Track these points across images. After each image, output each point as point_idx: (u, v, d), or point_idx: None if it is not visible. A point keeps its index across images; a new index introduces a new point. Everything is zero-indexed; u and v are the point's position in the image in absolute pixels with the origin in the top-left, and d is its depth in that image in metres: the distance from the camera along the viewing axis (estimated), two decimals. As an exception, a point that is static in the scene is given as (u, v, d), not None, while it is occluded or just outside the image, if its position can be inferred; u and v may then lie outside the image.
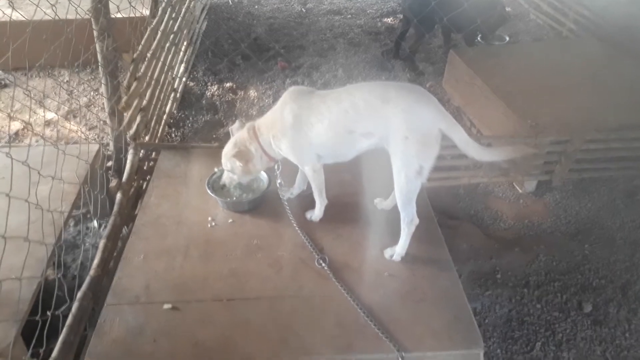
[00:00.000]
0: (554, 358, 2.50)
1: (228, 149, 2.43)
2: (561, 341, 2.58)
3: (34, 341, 1.94)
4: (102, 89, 2.94)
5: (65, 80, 4.87)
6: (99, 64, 2.85)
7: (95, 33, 2.74)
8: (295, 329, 2.01)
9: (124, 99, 2.79)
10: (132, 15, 3.32)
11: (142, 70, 3.09)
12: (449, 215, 3.54)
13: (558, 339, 2.59)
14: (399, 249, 2.28)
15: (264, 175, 2.67)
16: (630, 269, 3.01)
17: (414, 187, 2.14)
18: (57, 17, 2.36)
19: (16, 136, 4.24)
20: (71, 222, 3.21)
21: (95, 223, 3.16)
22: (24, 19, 2.46)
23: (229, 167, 2.45)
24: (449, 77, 4.87)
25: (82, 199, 2.77)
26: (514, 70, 4.32)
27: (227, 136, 2.57)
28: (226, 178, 2.54)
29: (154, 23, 3.44)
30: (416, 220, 2.23)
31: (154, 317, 2.04)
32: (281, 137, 2.26)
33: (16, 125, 4.29)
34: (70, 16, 2.53)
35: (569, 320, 2.69)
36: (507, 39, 5.85)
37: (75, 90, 4.80)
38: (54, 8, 2.22)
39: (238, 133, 2.44)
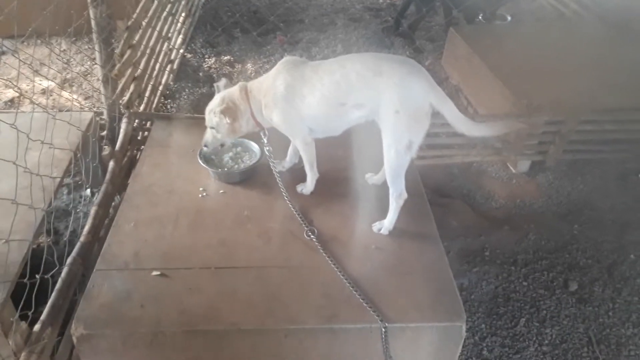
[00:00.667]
0: (537, 334, 2.55)
1: (215, 104, 2.36)
2: (545, 318, 2.63)
3: (21, 303, 1.96)
4: (97, 57, 2.91)
5: (62, 49, 4.83)
6: (93, 30, 2.82)
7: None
8: (282, 298, 2.03)
9: (117, 66, 2.77)
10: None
11: (137, 38, 3.07)
12: (441, 193, 3.56)
13: (542, 316, 2.64)
14: (387, 223, 2.30)
15: (255, 147, 2.67)
16: (618, 250, 3.04)
17: (403, 162, 2.14)
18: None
19: (11, 103, 4.22)
20: (64, 190, 3.22)
21: (88, 191, 3.18)
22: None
23: (214, 123, 2.37)
24: (448, 55, 4.84)
25: (74, 167, 2.78)
26: (513, 49, 4.29)
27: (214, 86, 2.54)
28: (208, 136, 2.46)
29: (149, -9, 3.40)
30: (404, 195, 2.24)
31: (142, 283, 2.06)
32: (273, 107, 2.24)
33: (11, 93, 4.28)
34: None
35: (554, 298, 2.73)
36: (509, 18, 5.78)
37: (72, 59, 4.77)
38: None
39: (226, 90, 2.40)
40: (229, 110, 2.31)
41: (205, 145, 2.51)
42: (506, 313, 2.65)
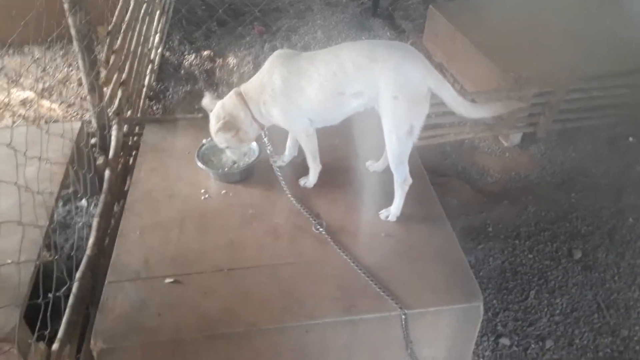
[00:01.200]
0: (547, 305, 2.59)
1: (212, 125, 2.34)
2: (554, 288, 2.67)
3: (38, 324, 1.93)
4: (80, 64, 2.83)
5: (36, 57, 4.71)
6: (74, 38, 2.74)
7: (65, 6, 2.63)
8: (297, 294, 2.03)
9: (104, 73, 2.71)
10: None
11: (118, 42, 3.00)
12: (437, 172, 3.57)
13: (551, 287, 2.68)
14: (394, 210, 2.30)
15: (254, 144, 2.64)
16: (616, 214, 3.10)
17: (405, 148, 2.14)
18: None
19: (-8, 117, 4.11)
20: (60, 202, 3.16)
21: (84, 202, 3.12)
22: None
23: (224, 142, 2.37)
24: (429, 33, 4.83)
25: (70, 179, 2.72)
26: (494, 23, 4.29)
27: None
28: (231, 154, 2.49)
29: (126, -8, 3.31)
30: (409, 180, 2.24)
31: (157, 292, 2.04)
32: (272, 104, 2.22)
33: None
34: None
35: (560, 268, 2.78)
36: (486, -9, 5.77)
37: (49, 67, 4.65)
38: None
39: (220, 102, 2.36)
40: (228, 124, 2.28)
41: (234, 162, 2.52)
42: (516, 287, 2.69)
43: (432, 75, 2.07)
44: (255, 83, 2.26)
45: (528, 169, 3.57)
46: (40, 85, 4.29)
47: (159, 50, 4.79)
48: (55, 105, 4.21)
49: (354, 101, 2.15)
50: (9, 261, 2.07)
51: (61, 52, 4.83)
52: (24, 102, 4.18)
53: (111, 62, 2.76)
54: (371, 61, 2.04)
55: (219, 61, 4.91)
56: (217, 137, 2.35)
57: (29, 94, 4.29)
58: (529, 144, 3.76)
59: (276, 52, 2.25)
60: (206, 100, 2.45)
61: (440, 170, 3.62)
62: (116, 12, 3.06)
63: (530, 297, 2.62)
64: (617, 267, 2.77)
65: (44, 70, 4.60)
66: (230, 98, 2.32)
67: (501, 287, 2.69)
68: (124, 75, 3.06)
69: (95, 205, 2.54)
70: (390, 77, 2.02)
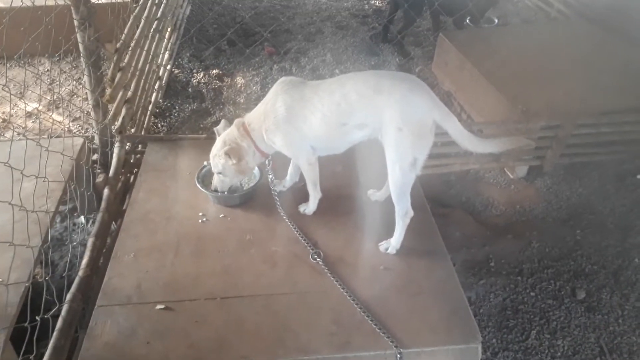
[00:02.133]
0: (549, 346, 2.51)
1: (217, 148, 2.33)
2: (556, 329, 2.60)
3: (24, 346, 1.88)
4: (85, 80, 2.84)
5: (46, 70, 4.74)
6: (81, 54, 2.75)
7: (75, 22, 2.64)
8: (292, 327, 1.97)
9: (109, 91, 2.70)
10: (113, 0, 3.20)
11: (126, 60, 3.00)
12: (440, 203, 3.52)
13: (553, 327, 2.60)
14: (394, 242, 2.25)
15: (255, 169, 2.61)
16: (622, 254, 3.03)
17: (408, 180, 2.10)
18: (34, 4, 2.26)
19: (-3, 128, 4.12)
20: (57, 219, 3.13)
21: (82, 219, 3.09)
22: (1, 6, 2.34)
23: (220, 168, 2.34)
24: (438, 61, 4.82)
25: (68, 196, 2.70)
26: (504, 53, 4.27)
27: (215, 125, 2.50)
28: (217, 182, 2.44)
29: (136, 10, 3.32)
30: (411, 213, 2.20)
31: (147, 318, 1.99)
32: (275, 131, 2.19)
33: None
34: (51, 2, 2.43)
35: (563, 308, 2.70)
36: (496, 21, 5.79)
37: (57, 80, 4.67)
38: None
39: (225, 131, 2.36)
40: (233, 151, 2.27)
41: (215, 190, 2.47)
42: (516, 326, 2.61)
43: (438, 108, 2.04)
44: (259, 111, 2.25)
45: (533, 202, 3.51)
46: (48, 98, 4.29)
47: (168, 67, 4.81)
48: (60, 118, 4.21)
49: (357, 132, 2.12)
50: (0, 280, 2.04)
51: (71, 66, 4.86)
52: (29, 115, 4.19)
53: (116, 79, 2.75)
54: (376, 93, 2.01)
55: (227, 80, 4.92)
56: (218, 160, 2.33)
57: (35, 107, 4.30)
58: (535, 177, 3.70)
59: (281, 80, 2.23)
60: (220, 126, 2.44)
61: (444, 201, 3.57)
62: (125, 30, 3.07)
63: (531, 338, 2.55)
64: (622, 310, 2.69)
65: (52, 82, 4.62)
66: (233, 129, 2.32)
67: (501, 325, 2.62)
68: (129, 93, 3.06)
69: (94, 222, 2.50)
70: (395, 109, 1.99)
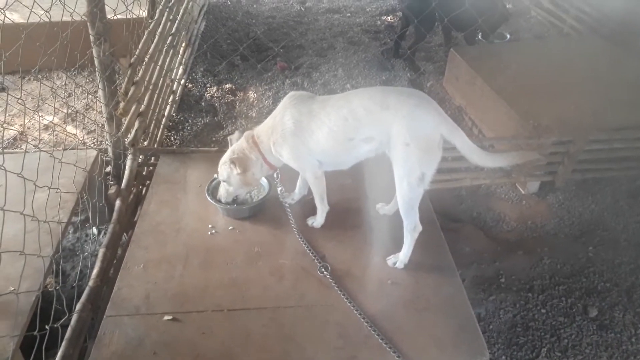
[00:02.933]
0: (559, 364, 2.48)
1: (226, 156, 2.39)
2: (567, 347, 2.55)
3: (32, 356, 1.90)
4: (100, 94, 2.89)
5: (63, 84, 4.83)
6: (96, 69, 2.81)
7: (91, 37, 2.70)
8: (297, 340, 1.98)
9: (122, 105, 2.75)
10: (128, 16, 3.26)
11: (139, 74, 3.05)
12: (451, 217, 3.50)
13: (564, 345, 2.56)
14: (402, 257, 2.25)
15: (264, 181, 2.64)
16: (635, 272, 2.98)
17: (416, 194, 2.10)
18: (50, 20, 2.32)
19: (14, 141, 4.20)
20: (70, 229, 3.17)
21: (94, 230, 3.13)
22: (20, 21, 2.41)
23: (225, 176, 2.39)
24: (449, 76, 4.83)
25: (80, 207, 2.74)
26: (515, 69, 4.27)
27: (227, 139, 2.54)
28: (222, 191, 2.48)
29: (151, 26, 3.39)
30: (419, 227, 2.20)
31: (154, 329, 2.01)
32: (282, 143, 2.22)
33: (14, 130, 4.26)
34: (67, 18, 2.49)
35: (575, 326, 2.66)
36: (508, 36, 5.80)
37: (73, 94, 4.76)
38: (47, 14, 2.18)
39: (235, 143, 2.40)
40: (240, 160, 2.32)
41: (219, 200, 2.50)
42: (526, 343, 2.58)
43: (445, 123, 2.05)
44: (268, 124, 2.29)
45: (545, 218, 3.48)
46: (64, 112, 4.38)
47: (182, 82, 4.88)
48: (76, 131, 4.29)
49: (364, 146, 2.13)
50: (11, 288, 2.07)
51: (87, 80, 4.95)
52: (46, 128, 4.27)
53: (130, 93, 2.81)
54: (383, 108, 2.03)
55: (240, 95, 4.97)
56: (224, 168, 2.38)
57: (51, 120, 4.38)
58: (547, 193, 3.67)
59: (290, 94, 2.26)
60: (235, 136, 2.49)
61: (455, 215, 3.55)
62: (140, 46, 3.13)
63: (541, 355, 2.51)
64: (635, 328, 2.63)
65: (69, 96, 4.72)
66: (243, 140, 2.36)
67: (511, 342, 2.58)
68: (142, 107, 3.11)
69: (106, 233, 2.53)
70: (402, 125, 2.00)
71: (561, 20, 6.01)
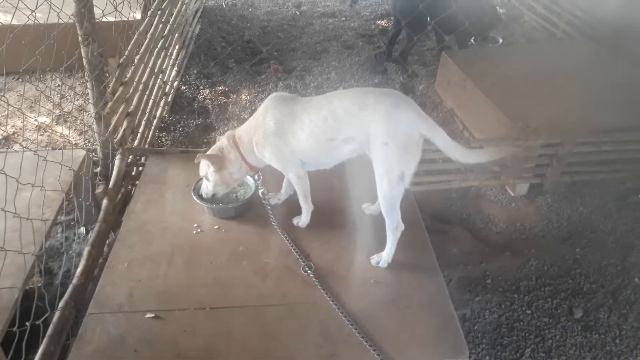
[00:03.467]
0: (543, 365, 2.48)
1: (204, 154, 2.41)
2: (551, 347, 2.56)
3: (11, 352, 1.91)
4: (89, 94, 2.91)
5: (56, 85, 4.85)
6: (85, 69, 2.82)
7: (79, 38, 2.72)
8: (280, 338, 1.98)
9: (109, 104, 2.76)
10: (118, 19, 3.28)
11: (129, 75, 3.07)
12: (440, 219, 3.51)
13: (548, 346, 2.57)
14: (385, 256, 2.26)
15: (250, 181, 2.65)
16: (621, 273, 2.99)
17: (396, 193, 2.11)
18: (37, 22, 2.34)
19: (6, 141, 4.21)
20: (59, 229, 3.18)
21: (82, 229, 3.14)
22: (14, 23, 2.42)
23: (203, 172, 2.43)
24: (441, 80, 4.85)
25: (68, 206, 2.75)
26: (506, 72, 4.29)
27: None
28: (203, 186, 2.52)
29: (141, 27, 3.41)
30: (401, 226, 2.21)
31: (136, 327, 2.01)
32: (264, 144, 2.23)
33: (6, 130, 4.27)
34: (56, 20, 2.51)
35: (559, 326, 2.66)
36: (501, 40, 5.83)
37: (67, 95, 4.78)
38: (33, 14, 2.19)
39: (218, 142, 2.43)
40: (214, 158, 2.35)
41: (205, 199, 2.53)
42: (511, 343, 2.58)
43: (423, 122, 2.06)
44: (249, 125, 2.31)
45: (533, 220, 3.49)
46: (56, 112, 4.39)
47: (175, 83, 4.90)
48: (68, 132, 4.30)
49: (345, 147, 2.15)
50: (-6, 285, 2.08)
51: (81, 81, 4.97)
52: (38, 128, 4.28)
53: (118, 93, 2.82)
54: (361, 108, 2.05)
55: (232, 97, 4.99)
56: (202, 165, 2.42)
57: (44, 120, 4.40)
58: (536, 195, 3.68)
59: (272, 95, 2.28)
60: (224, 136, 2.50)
61: (444, 217, 3.56)
62: (129, 46, 3.14)
63: (525, 356, 2.51)
64: (620, 330, 2.64)
65: (62, 97, 4.73)
66: (223, 140, 2.39)
67: (495, 342, 2.59)
68: (131, 107, 3.12)
69: (93, 233, 2.54)
70: (379, 124, 2.02)
71: (554, 25, 6.04)
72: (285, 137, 2.18)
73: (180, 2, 5.00)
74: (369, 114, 2.03)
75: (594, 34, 5.25)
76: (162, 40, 4.03)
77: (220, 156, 2.35)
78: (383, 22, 6.80)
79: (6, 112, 4.03)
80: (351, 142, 2.13)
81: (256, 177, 2.47)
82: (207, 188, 2.50)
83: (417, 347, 1.95)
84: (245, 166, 2.38)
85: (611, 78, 4.17)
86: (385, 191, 2.10)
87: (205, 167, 2.41)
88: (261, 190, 2.50)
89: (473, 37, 5.52)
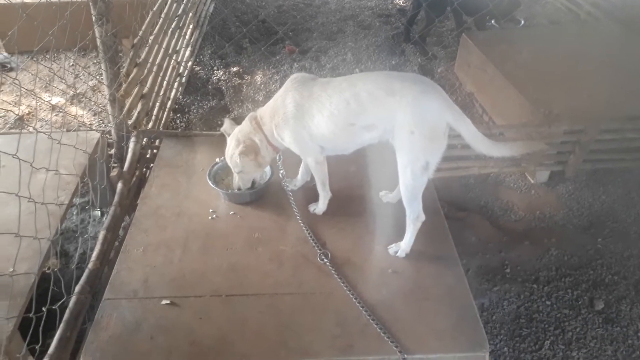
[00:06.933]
0: (563, 357, 2.43)
1: (232, 148, 2.33)
2: (571, 340, 2.51)
3: (28, 336, 1.90)
4: (103, 76, 2.86)
5: (70, 65, 4.82)
6: (99, 49, 2.78)
7: (93, 18, 2.66)
8: (295, 328, 1.95)
9: (123, 86, 2.72)
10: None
11: (142, 56, 3.02)
12: (457, 206, 3.45)
13: (568, 338, 2.52)
14: (404, 246, 2.21)
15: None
16: (644, 265, 2.92)
17: (419, 183, 2.06)
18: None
19: (21, 121, 4.20)
20: (74, 211, 3.18)
21: (97, 212, 3.13)
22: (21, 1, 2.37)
23: (240, 167, 2.34)
24: (461, 62, 4.74)
25: (83, 188, 2.73)
26: (528, 55, 4.17)
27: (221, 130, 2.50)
28: (239, 181, 2.43)
29: (155, 7, 3.35)
30: (422, 217, 2.15)
31: (152, 313, 1.99)
32: (283, 127, 2.18)
33: (22, 110, 4.26)
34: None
35: (580, 318, 2.61)
36: (523, 22, 5.67)
37: (81, 75, 4.75)
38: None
39: (239, 127, 2.36)
40: (248, 149, 2.28)
41: (239, 189, 2.47)
42: (530, 335, 2.54)
43: (451, 111, 1.99)
44: (270, 106, 2.24)
45: (554, 209, 3.41)
46: (71, 92, 4.37)
47: (189, 63, 4.84)
48: (83, 112, 4.28)
49: (365, 133, 2.09)
50: (11, 269, 2.07)
51: (95, 61, 4.94)
52: (53, 108, 4.26)
53: (132, 75, 2.77)
54: (388, 94, 1.97)
55: (247, 78, 4.92)
56: (235, 160, 2.32)
57: (59, 100, 4.38)
58: (557, 183, 3.60)
59: (292, 76, 2.22)
60: (226, 126, 2.46)
61: (462, 204, 3.50)
62: (143, 27, 3.09)
63: (544, 348, 2.47)
64: (642, 323, 2.59)
65: (76, 77, 4.70)
66: (246, 123, 2.32)
67: (514, 333, 2.55)
68: (145, 89, 3.07)
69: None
70: (407, 112, 1.95)
71: (578, 6, 5.85)
72: (304, 120, 2.12)
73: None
74: (395, 100, 1.96)
75: (620, 16, 5.07)
76: (176, 20, 3.96)
77: (250, 144, 2.28)
78: (401, 2, 6.64)
79: (19, 93, 4.02)
80: (372, 130, 2.06)
81: (277, 157, 2.41)
82: (243, 180, 2.42)
83: (436, 339, 1.92)
84: (270, 147, 2.32)
85: (637, 63, 4.02)
86: (408, 181, 2.04)
87: (241, 161, 2.30)
88: (281, 171, 2.43)
89: (493, 19, 5.38)
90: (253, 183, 2.49)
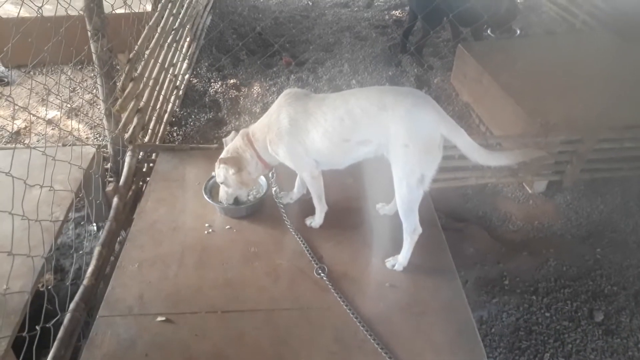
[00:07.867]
0: (562, 370, 2.41)
1: (218, 159, 2.34)
2: (571, 352, 2.49)
3: (22, 355, 1.88)
4: (99, 90, 2.86)
5: (67, 78, 4.82)
6: (95, 64, 2.78)
7: (89, 33, 2.67)
8: (291, 343, 1.93)
9: (119, 101, 2.71)
10: (127, 11, 3.21)
11: (139, 70, 3.02)
12: (455, 217, 3.44)
13: (567, 350, 2.50)
14: (401, 259, 2.20)
15: (262, 180, 2.60)
16: (644, 275, 2.90)
17: (415, 196, 2.04)
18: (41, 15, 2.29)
19: (17, 135, 4.20)
20: (70, 226, 3.16)
21: (93, 227, 3.11)
22: (25, 15, 2.37)
23: (222, 178, 2.34)
24: (457, 72, 4.75)
25: (79, 203, 2.72)
26: (524, 65, 4.18)
27: (229, 134, 2.49)
28: (222, 193, 2.43)
29: (151, 21, 3.35)
30: (419, 230, 2.14)
31: (147, 330, 1.97)
32: (278, 142, 2.17)
33: (17, 125, 4.26)
34: (71, 12, 2.46)
35: (579, 330, 2.59)
36: (518, 31, 5.68)
37: (77, 89, 4.75)
38: (39, 10, 2.14)
39: (232, 142, 2.35)
40: (232, 160, 2.27)
41: (220, 202, 2.46)
42: (529, 347, 2.51)
43: (444, 122, 1.98)
44: (263, 122, 2.24)
45: (552, 219, 3.40)
46: (68, 105, 4.37)
47: (186, 76, 4.84)
48: (79, 126, 4.27)
49: (361, 148, 2.08)
50: (5, 287, 2.05)
51: (91, 75, 4.94)
52: (50, 122, 4.26)
53: (127, 90, 2.77)
54: (380, 109, 1.97)
55: (244, 90, 4.93)
56: (219, 170, 2.33)
57: (56, 114, 4.38)
58: (555, 193, 3.59)
59: (286, 91, 2.21)
60: (230, 137, 2.44)
61: (460, 215, 3.49)
62: (139, 41, 3.09)
63: (544, 361, 2.45)
64: (642, 334, 2.57)
65: (73, 90, 4.70)
66: (238, 139, 2.31)
67: (513, 346, 2.52)
68: (141, 103, 3.07)
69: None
70: (400, 126, 1.94)
71: (573, 16, 5.88)
72: (299, 135, 2.12)
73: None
74: (389, 114, 1.95)
75: (615, 25, 5.09)
76: (172, 34, 3.97)
77: (237, 157, 2.28)
78: (397, 13, 6.68)
79: (14, 109, 4.01)
80: (368, 145, 2.05)
81: (270, 174, 2.41)
82: (227, 194, 2.41)
83: (434, 354, 1.89)
84: (261, 164, 2.31)
85: (633, 72, 4.03)
86: (404, 194, 2.03)
87: (223, 173, 2.31)
88: (274, 188, 2.44)
89: (489, 29, 5.40)
90: (236, 200, 2.47)
